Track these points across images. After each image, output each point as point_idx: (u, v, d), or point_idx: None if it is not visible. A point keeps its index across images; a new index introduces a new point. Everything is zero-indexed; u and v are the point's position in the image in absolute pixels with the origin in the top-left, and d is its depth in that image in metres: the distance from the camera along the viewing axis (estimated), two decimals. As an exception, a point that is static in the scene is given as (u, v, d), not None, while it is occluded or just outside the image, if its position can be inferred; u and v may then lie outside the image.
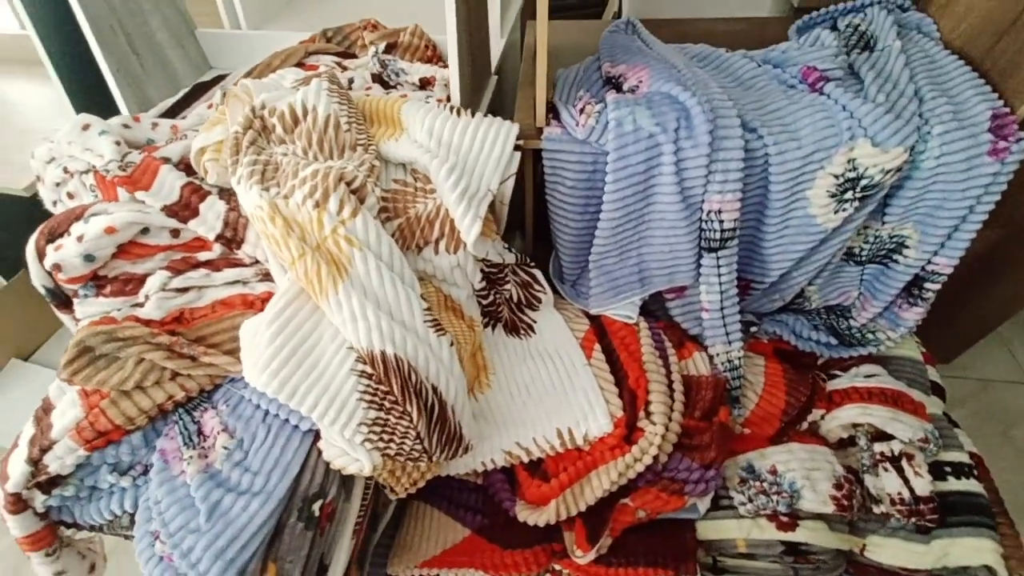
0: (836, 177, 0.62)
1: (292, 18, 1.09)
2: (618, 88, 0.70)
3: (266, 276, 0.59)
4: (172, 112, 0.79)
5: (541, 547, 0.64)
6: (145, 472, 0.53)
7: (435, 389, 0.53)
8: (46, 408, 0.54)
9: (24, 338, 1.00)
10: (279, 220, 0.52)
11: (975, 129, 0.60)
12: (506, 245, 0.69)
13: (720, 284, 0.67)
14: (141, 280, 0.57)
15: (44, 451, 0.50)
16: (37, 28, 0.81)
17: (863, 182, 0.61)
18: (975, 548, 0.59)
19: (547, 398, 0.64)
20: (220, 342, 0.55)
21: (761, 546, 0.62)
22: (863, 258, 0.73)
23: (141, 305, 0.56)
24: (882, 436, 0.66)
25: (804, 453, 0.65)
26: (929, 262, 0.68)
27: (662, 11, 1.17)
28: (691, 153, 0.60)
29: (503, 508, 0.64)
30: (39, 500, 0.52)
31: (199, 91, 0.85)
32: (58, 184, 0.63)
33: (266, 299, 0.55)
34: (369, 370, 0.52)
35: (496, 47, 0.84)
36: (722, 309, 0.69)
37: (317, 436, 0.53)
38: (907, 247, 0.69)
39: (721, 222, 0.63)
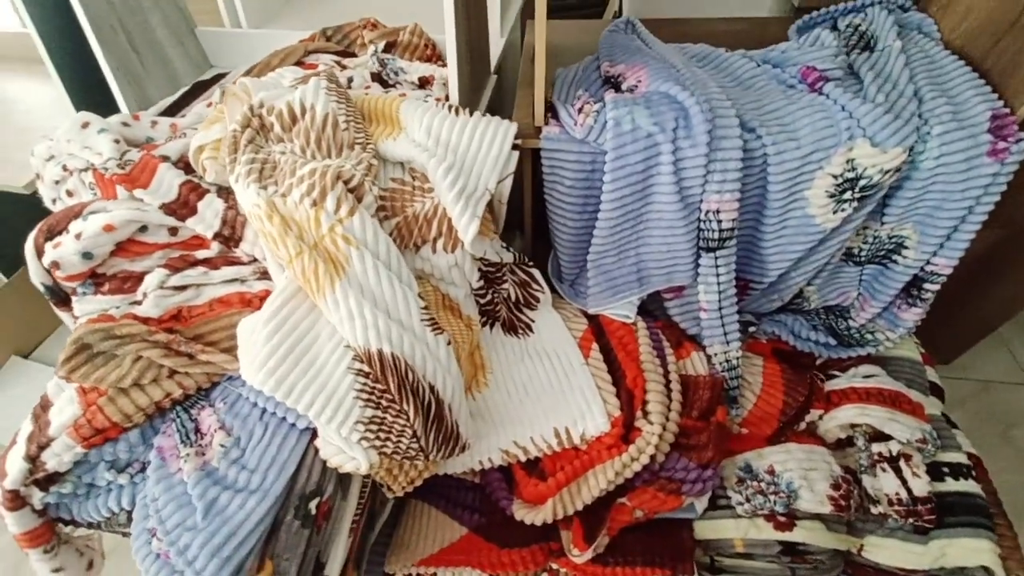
0: (835, 177, 0.62)
1: (292, 17, 1.09)
2: (617, 88, 0.70)
3: (264, 274, 0.60)
4: (172, 110, 0.80)
5: (538, 546, 0.64)
6: (143, 470, 0.53)
7: (432, 388, 0.53)
8: (44, 405, 0.54)
9: (24, 336, 1.00)
10: (276, 218, 0.52)
11: (974, 130, 0.60)
12: (504, 244, 0.69)
13: (718, 284, 0.67)
14: (139, 278, 0.57)
15: (42, 448, 0.51)
16: (37, 26, 0.81)
17: (862, 182, 0.61)
18: (973, 549, 0.59)
19: (544, 397, 0.64)
20: (218, 340, 0.55)
21: (758, 546, 0.62)
22: (862, 258, 0.73)
23: (139, 303, 0.56)
24: (880, 436, 0.66)
25: (802, 453, 0.65)
26: (928, 263, 0.68)
27: (662, 11, 1.17)
28: (689, 153, 0.60)
29: (500, 507, 0.64)
30: (37, 497, 0.52)
31: (199, 89, 0.85)
32: (57, 182, 0.63)
33: (264, 297, 0.55)
34: (366, 368, 0.52)
35: (496, 46, 0.84)
36: (720, 309, 0.69)
37: (314, 434, 0.53)
38: (906, 247, 0.69)
39: (719, 222, 0.63)
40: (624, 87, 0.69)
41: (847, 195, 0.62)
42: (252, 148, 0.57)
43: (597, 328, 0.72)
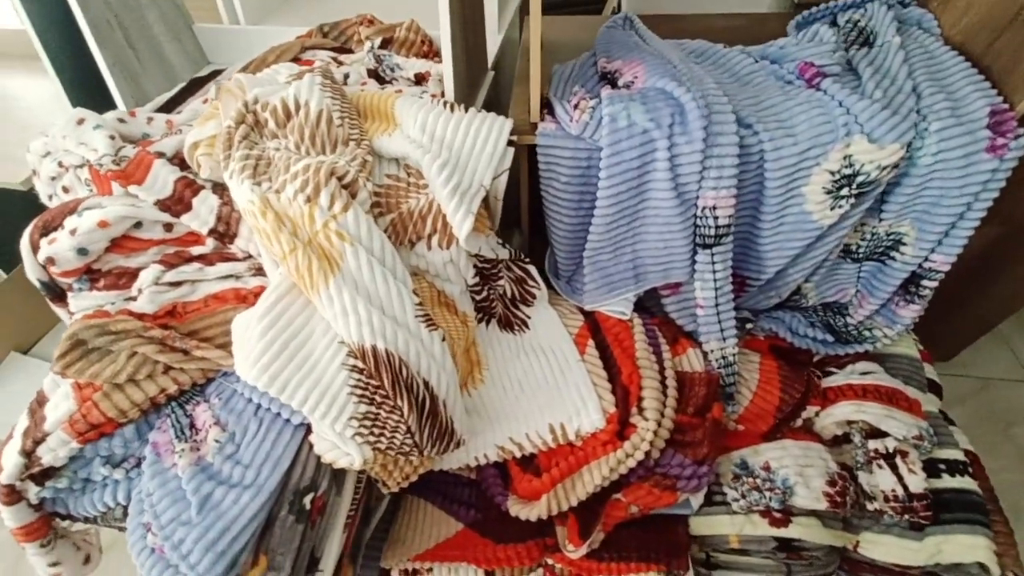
0: (832, 173, 0.61)
1: (290, 13, 1.09)
2: (613, 84, 0.70)
3: (259, 271, 0.60)
4: (168, 107, 0.80)
5: (534, 541, 0.64)
6: (138, 465, 0.54)
7: (426, 384, 0.53)
8: (40, 400, 0.54)
9: (23, 331, 1.01)
10: (270, 215, 0.52)
11: (973, 125, 0.59)
12: (500, 241, 0.69)
13: (715, 281, 0.67)
14: (134, 274, 0.57)
15: (37, 443, 0.51)
16: (35, 23, 0.81)
17: (859, 179, 0.60)
18: (968, 545, 0.59)
19: (540, 394, 0.64)
20: (213, 336, 0.55)
21: (754, 542, 0.62)
22: (860, 255, 0.73)
23: (134, 299, 0.56)
24: (877, 433, 0.65)
25: (798, 450, 0.65)
26: (926, 259, 0.68)
27: (661, 7, 1.16)
28: (685, 149, 0.60)
29: (496, 503, 0.64)
30: (32, 492, 0.52)
31: (195, 86, 0.85)
32: (53, 178, 0.63)
33: (259, 293, 0.55)
34: (360, 365, 0.52)
35: (493, 43, 0.84)
36: (717, 306, 0.69)
37: (309, 430, 0.53)
38: (904, 244, 0.68)
39: (716, 218, 0.63)
40: (621, 83, 0.69)
41: (844, 191, 0.62)
42: (246, 144, 0.57)
43: (593, 324, 0.72)
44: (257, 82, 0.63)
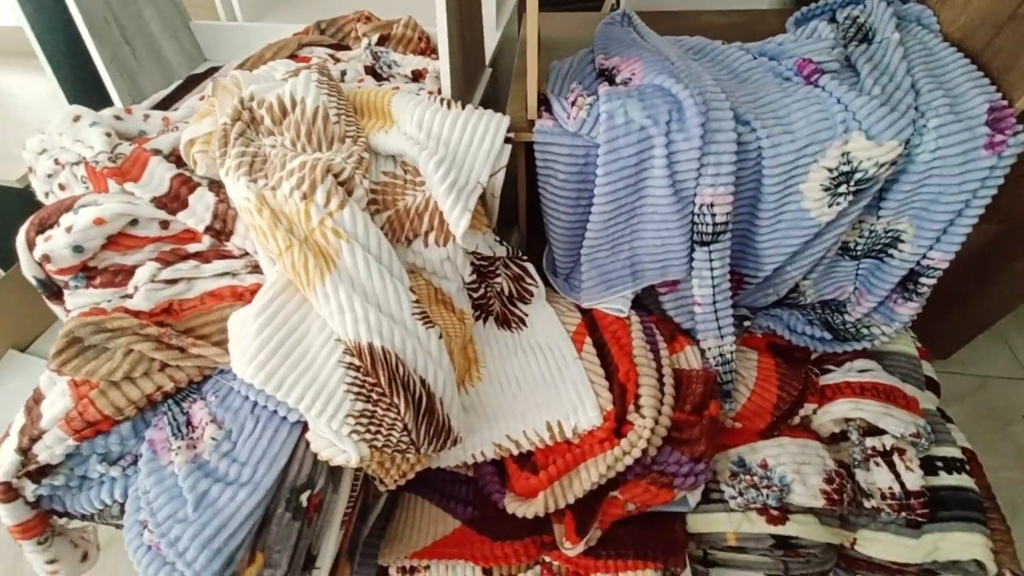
0: (830, 170, 0.61)
1: (287, 10, 1.08)
2: (611, 80, 0.69)
3: (255, 268, 0.60)
4: (165, 104, 0.79)
5: (531, 539, 0.64)
6: (134, 462, 0.54)
7: (423, 381, 0.53)
8: (36, 398, 0.54)
9: (22, 329, 1.01)
10: (266, 212, 0.52)
11: (971, 122, 0.59)
12: (498, 238, 0.69)
13: (712, 278, 0.67)
14: (130, 271, 0.57)
15: (34, 440, 0.51)
16: (31, 20, 0.81)
17: (857, 175, 0.60)
18: (965, 542, 0.59)
19: (537, 391, 0.64)
20: (209, 333, 0.55)
21: (751, 539, 0.63)
22: (858, 252, 0.73)
23: (130, 296, 0.56)
24: (874, 431, 0.65)
25: (795, 447, 0.65)
26: (925, 257, 0.68)
27: (660, 3, 1.16)
28: (683, 146, 0.60)
29: (493, 500, 0.64)
30: (29, 489, 0.52)
31: (192, 83, 0.84)
32: (50, 175, 0.63)
33: (255, 291, 0.55)
34: (356, 362, 0.52)
35: (491, 40, 0.84)
36: (714, 303, 0.69)
37: (305, 427, 0.53)
38: (902, 241, 0.68)
39: (713, 216, 0.63)
40: (618, 80, 0.68)
41: (842, 188, 0.62)
42: (242, 141, 0.57)
43: (590, 322, 0.72)
44: (253, 79, 0.63)
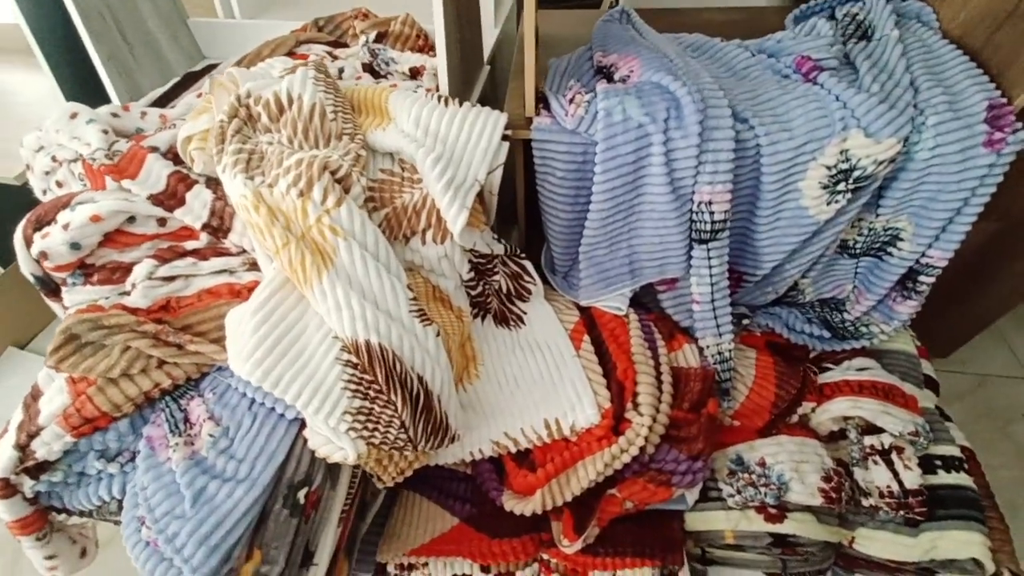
0: (828, 168, 0.61)
1: (286, 8, 1.08)
2: (609, 78, 0.69)
3: (253, 265, 0.60)
4: (162, 101, 0.79)
5: (529, 536, 0.64)
6: (132, 459, 0.54)
7: (420, 379, 0.53)
8: (34, 395, 0.54)
9: (21, 326, 1.01)
10: (263, 209, 0.52)
11: (971, 120, 0.59)
12: (496, 236, 0.69)
13: (711, 276, 0.67)
14: (128, 268, 0.57)
15: (32, 437, 0.51)
16: (28, 17, 0.81)
17: (856, 173, 0.60)
18: (963, 541, 0.59)
19: (535, 389, 0.64)
20: (206, 331, 0.55)
21: (749, 537, 0.62)
22: (857, 251, 0.73)
23: (128, 293, 0.56)
24: (873, 429, 0.65)
25: (793, 446, 0.65)
26: (923, 255, 0.68)
27: (659, 0, 1.16)
28: (681, 144, 0.60)
29: (491, 497, 0.64)
30: (28, 485, 0.52)
31: (189, 80, 0.84)
32: (47, 173, 0.63)
33: (253, 288, 0.55)
34: (354, 359, 0.52)
35: (489, 37, 0.83)
36: (713, 301, 0.68)
37: (303, 424, 0.53)
38: (901, 240, 0.68)
39: (712, 213, 0.63)
40: (616, 77, 0.68)
41: (841, 186, 0.61)
42: (239, 138, 0.56)
43: (589, 320, 0.72)
44: (250, 76, 0.63)
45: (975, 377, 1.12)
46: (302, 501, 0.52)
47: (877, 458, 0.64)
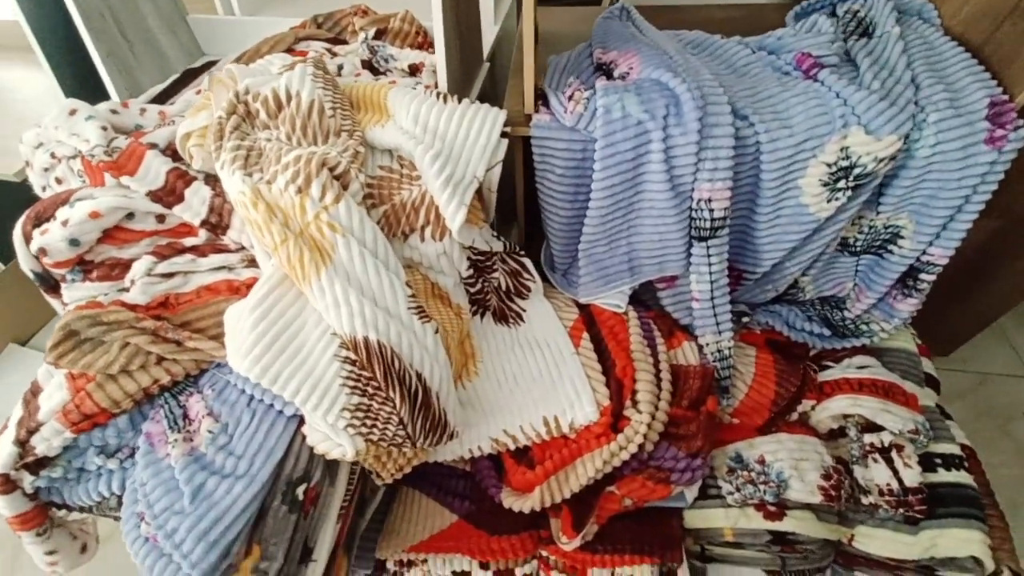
0: (828, 166, 0.61)
1: (285, 4, 1.08)
2: (609, 75, 0.69)
3: (252, 262, 0.60)
4: (161, 98, 0.79)
5: (528, 533, 0.64)
6: (132, 455, 0.54)
7: (419, 376, 0.53)
8: (34, 391, 0.54)
9: (22, 323, 1.01)
10: (261, 205, 0.52)
11: (972, 117, 0.59)
12: (495, 233, 0.69)
13: (710, 274, 0.67)
14: (127, 265, 0.57)
15: (31, 433, 0.51)
16: (27, 14, 0.81)
17: (856, 171, 0.60)
18: (963, 539, 0.59)
19: (534, 386, 0.64)
20: (205, 327, 0.55)
21: (748, 535, 0.62)
22: (858, 248, 0.72)
23: (127, 290, 0.56)
24: (873, 427, 0.65)
25: (793, 443, 0.65)
26: (924, 253, 0.67)
27: (660, -3, 1.15)
28: (680, 141, 0.59)
29: (490, 494, 0.64)
30: (27, 481, 0.53)
31: (189, 77, 0.84)
32: (46, 169, 0.63)
33: (251, 285, 0.55)
34: (352, 356, 0.52)
35: (489, 34, 0.83)
36: (712, 299, 0.68)
37: (302, 421, 0.53)
38: (902, 237, 0.68)
39: (711, 211, 0.63)
40: (616, 74, 0.68)
41: (841, 184, 0.61)
42: (237, 135, 0.56)
43: (588, 317, 0.72)
44: (249, 72, 0.63)
45: (976, 375, 1.12)
46: (301, 497, 0.52)
47: (877, 456, 0.64)
